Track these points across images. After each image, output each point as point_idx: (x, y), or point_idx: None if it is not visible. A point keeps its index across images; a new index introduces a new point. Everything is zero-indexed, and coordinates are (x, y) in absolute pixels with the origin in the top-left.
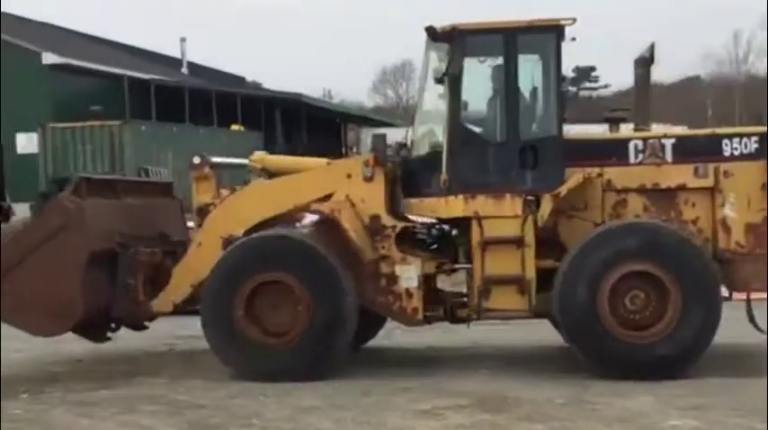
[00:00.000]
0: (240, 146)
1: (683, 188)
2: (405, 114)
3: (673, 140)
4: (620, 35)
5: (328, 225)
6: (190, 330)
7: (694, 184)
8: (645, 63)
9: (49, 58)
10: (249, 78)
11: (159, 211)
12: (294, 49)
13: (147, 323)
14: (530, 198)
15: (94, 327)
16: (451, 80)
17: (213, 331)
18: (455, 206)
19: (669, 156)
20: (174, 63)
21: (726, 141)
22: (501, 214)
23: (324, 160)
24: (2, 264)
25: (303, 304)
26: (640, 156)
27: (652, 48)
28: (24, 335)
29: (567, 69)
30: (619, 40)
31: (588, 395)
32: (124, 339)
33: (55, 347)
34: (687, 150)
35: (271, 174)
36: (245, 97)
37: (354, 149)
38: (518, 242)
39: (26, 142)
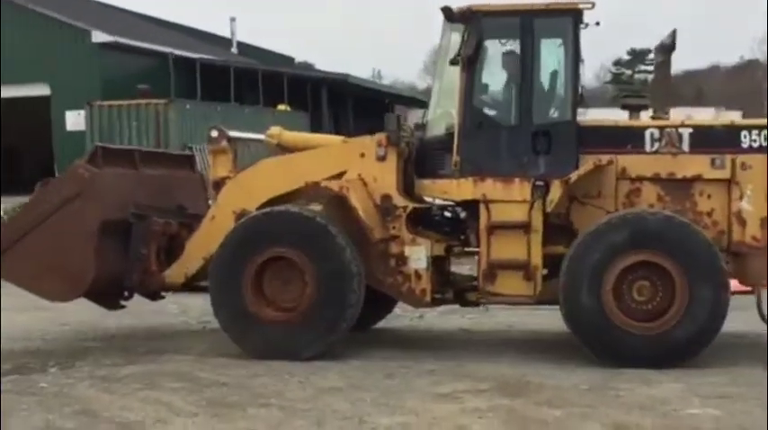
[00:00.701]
0: (286, 126)
1: (699, 179)
2: None
3: (690, 130)
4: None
5: (339, 203)
6: None
7: (711, 175)
8: (666, 50)
9: (98, 36)
10: (300, 59)
11: (178, 184)
12: (346, 30)
13: (162, 293)
14: (539, 183)
15: (107, 295)
16: (466, 62)
17: (222, 307)
18: (465, 188)
19: (686, 146)
20: (224, 43)
21: (744, 133)
22: (509, 198)
23: (339, 138)
24: (19, 229)
25: (310, 281)
26: (656, 145)
27: (674, 34)
28: (70, 309)
29: (623, 51)
30: (675, 23)
31: (615, 381)
32: (160, 315)
33: (93, 322)
34: (704, 140)
35: (286, 149)
36: (291, 77)
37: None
38: (525, 227)
39: (75, 119)
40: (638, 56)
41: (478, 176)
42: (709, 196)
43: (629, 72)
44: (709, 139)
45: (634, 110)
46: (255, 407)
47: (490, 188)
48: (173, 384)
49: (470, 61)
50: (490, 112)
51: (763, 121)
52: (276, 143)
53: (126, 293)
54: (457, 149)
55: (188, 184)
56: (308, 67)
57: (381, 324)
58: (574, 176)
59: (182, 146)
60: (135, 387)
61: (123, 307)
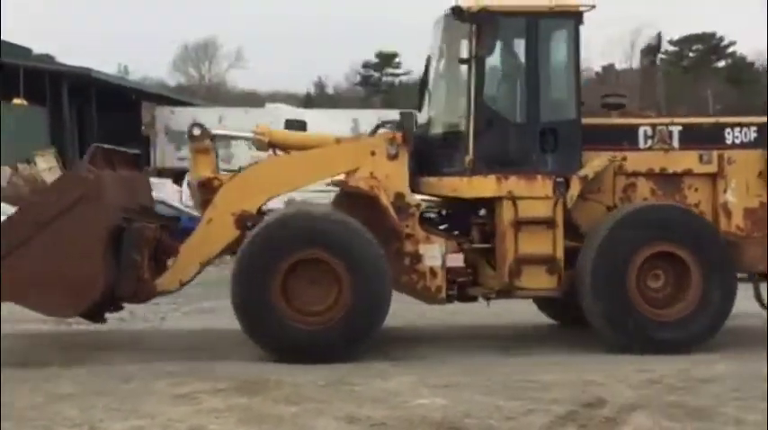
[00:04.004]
0: (22, 121)
1: (688, 173)
2: (208, 94)
3: (680, 128)
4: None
5: (351, 202)
6: None
7: (699, 170)
8: (651, 51)
9: None
10: (39, 51)
11: (138, 184)
12: (93, 22)
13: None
14: (559, 180)
15: (96, 307)
16: (478, 60)
17: (248, 309)
18: (484, 185)
19: (676, 143)
20: None
21: (728, 130)
22: (533, 195)
23: (332, 136)
24: (11, 239)
25: (345, 283)
26: (649, 142)
27: (659, 36)
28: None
29: (370, 55)
30: (420, 28)
31: (351, 376)
32: None
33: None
34: (693, 137)
35: (278, 148)
36: (28, 70)
37: (144, 128)
38: (549, 222)
39: None
40: (386, 59)
41: (501, 173)
42: (696, 189)
43: (377, 74)
44: (697, 136)
45: (612, 108)
46: None
47: (515, 185)
48: None
49: (481, 61)
50: (500, 111)
51: (745, 119)
52: (267, 141)
53: (113, 305)
54: (472, 147)
55: (141, 184)
56: (47, 59)
57: (123, 326)
58: (591, 173)
59: None
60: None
61: (105, 320)
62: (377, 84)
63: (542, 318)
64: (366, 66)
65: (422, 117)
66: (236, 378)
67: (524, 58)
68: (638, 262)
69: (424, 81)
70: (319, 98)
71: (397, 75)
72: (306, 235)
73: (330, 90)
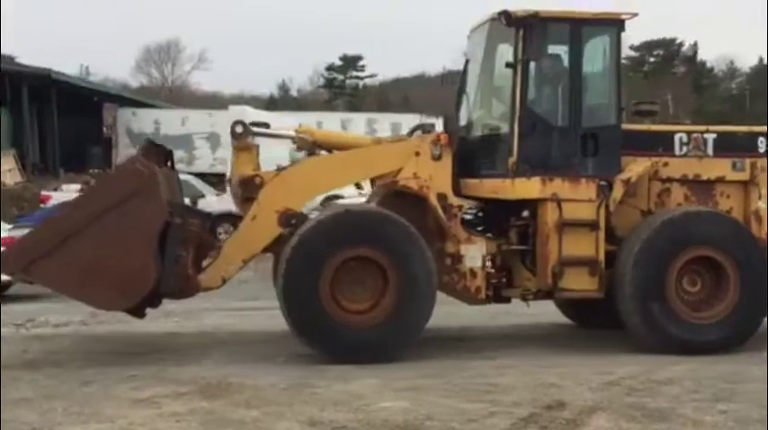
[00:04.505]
0: None
1: (721, 180)
2: (170, 95)
3: (714, 135)
4: (388, 24)
5: (395, 202)
6: None
7: (732, 177)
8: (687, 60)
9: None
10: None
11: (173, 181)
12: (53, 22)
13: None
14: (602, 183)
15: (141, 302)
16: (524, 65)
17: (296, 308)
18: (527, 187)
19: (710, 150)
20: None
21: (761, 138)
22: (578, 197)
23: (370, 137)
24: (62, 232)
25: (392, 282)
26: (684, 149)
27: (695, 45)
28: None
29: (335, 58)
30: (386, 32)
31: (313, 379)
32: None
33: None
34: (726, 145)
35: (321, 147)
36: None
37: (106, 130)
38: (593, 225)
39: None
40: (349, 62)
41: (546, 176)
42: (728, 196)
43: (341, 77)
44: (730, 144)
45: (645, 115)
46: None
47: (559, 187)
48: None
49: (527, 64)
50: (542, 114)
51: None
52: (312, 140)
53: (155, 300)
54: (516, 150)
55: (175, 182)
56: (7, 60)
57: (81, 329)
58: (634, 176)
59: None
60: None
61: (145, 315)
62: (341, 86)
63: (504, 321)
64: (330, 68)
65: (461, 120)
66: (197, 381)
67: (568, 64)
68: (677, 266)
69: (462, 84)
70: (283, 101)
71: (362, 77)
72: (354, 233)
73: (294, 92)
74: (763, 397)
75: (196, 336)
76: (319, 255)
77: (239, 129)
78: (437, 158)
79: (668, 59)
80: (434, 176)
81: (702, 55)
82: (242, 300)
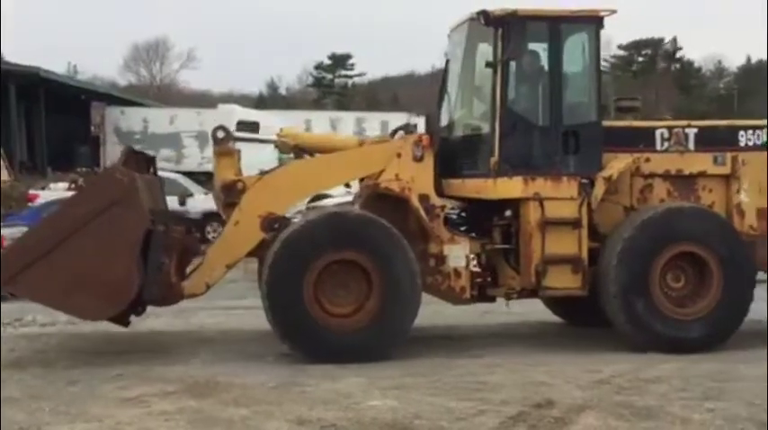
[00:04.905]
0: None
1: (703, 175)
2: (159, 93)
3: (695, 130)
4: (377, 23)
5: (377, 204)
6: None
7: (713, 171)
8: (668, 56)
9: None
10: None
11: (154, 187)
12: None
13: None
14: (584, 181)
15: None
16: (504, 65)
17: (279, 311)
18: (510, 187)
19: (691, 145)
20: None
21: (741, 132)
22: (560, 196)
23: (355, 139)
24: (43, 242)
25: (376, 285)
26: (666, 144)
27: (675, 41)
28: None
29: (324, 57)
30: (378, 32)
31: (301, 377)
32: None
33: None
34: (707, 140)
35: (304, 151)
36: None
37: (94, 129)
38: (575, 223)
39: None
40: (338, 60)
41: (528, 175)
42: (710, 190)
43: (330, 76)
44: (711, 139)
45: (626, 111)
46: None
47: (541, 186)
48: None
49: (507, 64)
50: (523, 114)
51: (758, 122)
52: (294, 144)
53: (139, 308)
54: (498, 149)
55: (157, 188)
56: None
57: (68, 329)
58: (615, 173)
59: None
60: None
61: (129, 323)
62: (330, 85)
63: (492, 319)
64: (319, 67)
65: (442, 120)
66: (185, 380)
67: (547, 62)
68: (660, 263)
69: (443, 84)
70: (272, 99)
71: (350, 76)
72: (339, 236)
73: (283, 91)
74: (751, 395)
75: (184, 335)
76: (304, 259)
77: (221, 134)
78: (419, 159)
79: (656, 59)
80: (416, 177)
81: (690, 55)
82: (230, 299)
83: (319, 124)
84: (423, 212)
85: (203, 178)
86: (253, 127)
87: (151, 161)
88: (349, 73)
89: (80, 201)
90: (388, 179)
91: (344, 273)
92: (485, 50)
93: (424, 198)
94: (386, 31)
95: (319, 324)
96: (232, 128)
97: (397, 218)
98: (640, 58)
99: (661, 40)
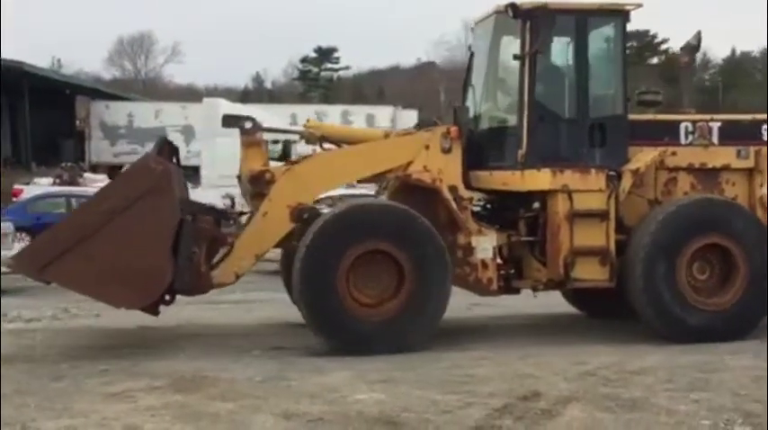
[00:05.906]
0: None
1: (726, 168)
2: (144, 88)
3: (719, 124)
4: (363, 16)
5: (406, 195)
6: None
7: (737, 165)
8: (691, 50)
9: None
10: None
11: (180, 178)
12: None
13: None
14: (612, 173)
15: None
16: (531, 57)
17: (311, 301)
18: (538, 179)
19: (715, 139)
20: None
21: (765, 126)
22: (588, 188)
23: (380, 131)
24: (78, 231)
25: (408, 275)
26: (690, 138)
27: (699, 35)
28: None
29: (309, 50)
30: (361, 25)
31: (288, 372)
32: None
33: None
34: (731, 133)
35: (330, 142)
36: None
37: (79, 123)
38: (603, 215)
39: None
40: (324, 54)
41: (556, 167)
42: (733, 184)
43: (316, 69)
44: (734, 133)
45: (649, 105)
46: None
47: (570, 178)
48: None
49: (535, 56)
50: (550, 106)
51: None
52: (320, 135)
53: (168, 297)
54: (526, 142)
55: (181, 178)
56: None
57: (54, 324)
58: (642, 166)
59: None
60: None
61: (159, 313)
62: (315, 78)
63: (480, 312)
64: (305, 60)
65: (468, 113)
66: (171, 375)
67: (574, 55)
68: (687, 254)
69: (467, 78)
70: (257, 93)
71: (336, 69)
72: (371, 227)
73: (269, 85)
74: (737, 386)
75: (170, 330)
76: (335, 251)
77: (248, 125)
78: (447, 151)
79: (642, 51)
80: (445, 169)
81: (675, 46)
82: (217, 294)
83: (304, 117)
84: (453, 204)
85: (190, 172)
86: (238, 121)
87: (175, 151)
88: (334, 66)
89: (116, 190)
90: (418, 170)
91: (376, 263)
92: (511, 43)
93: (452, 189)
94: (371, 24)
95: (350, 314)
96: (217, 122)
97: (425, 209)
98: (627, 51)
99: (646, 32)
